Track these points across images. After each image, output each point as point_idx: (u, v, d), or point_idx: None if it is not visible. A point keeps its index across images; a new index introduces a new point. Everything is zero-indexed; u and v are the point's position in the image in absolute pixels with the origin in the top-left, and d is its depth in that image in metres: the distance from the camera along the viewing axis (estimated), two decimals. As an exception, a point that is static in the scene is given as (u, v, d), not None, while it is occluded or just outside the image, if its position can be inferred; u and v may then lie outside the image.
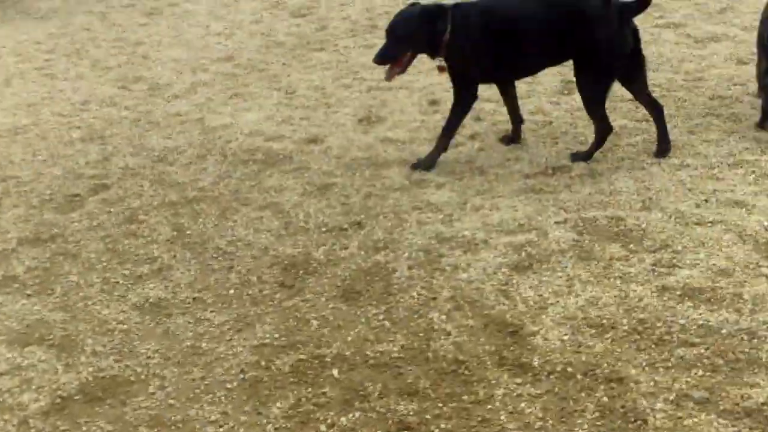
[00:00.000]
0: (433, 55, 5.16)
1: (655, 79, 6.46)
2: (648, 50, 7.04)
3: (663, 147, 5.17)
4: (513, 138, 5.54)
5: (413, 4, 5.20)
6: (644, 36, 7.47)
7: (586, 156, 5.19)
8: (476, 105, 5.41)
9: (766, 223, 4.32)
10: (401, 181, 5.16)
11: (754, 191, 4.67)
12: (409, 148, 5.65)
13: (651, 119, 5.32)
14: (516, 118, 5.53)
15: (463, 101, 5.27)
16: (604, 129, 5.13)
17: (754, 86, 5.77)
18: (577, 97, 6.16)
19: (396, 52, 5.04)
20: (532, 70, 5.54)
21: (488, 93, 6.16)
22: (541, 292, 3.92)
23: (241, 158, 5.71)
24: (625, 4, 4.95)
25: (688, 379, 3.24)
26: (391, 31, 5.06)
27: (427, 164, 5.27)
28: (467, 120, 5.93)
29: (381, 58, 5.07)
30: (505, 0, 5.23)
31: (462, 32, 5.00)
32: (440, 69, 5.24)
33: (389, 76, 5.14)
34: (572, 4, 5.02)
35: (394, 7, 7.30)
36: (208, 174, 5.50)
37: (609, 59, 4.97)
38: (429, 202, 4.88)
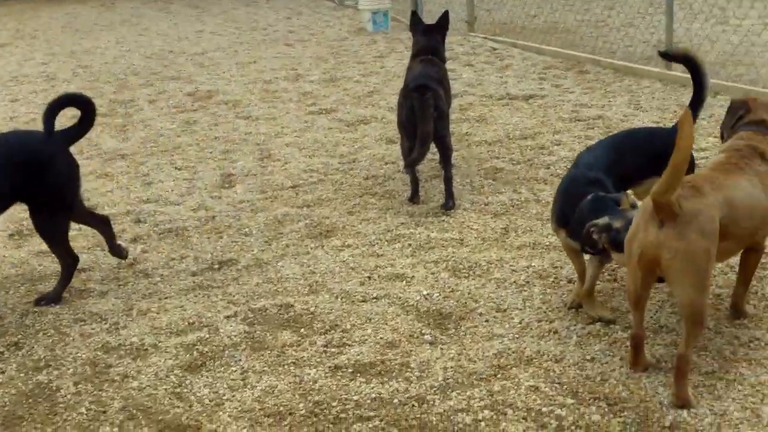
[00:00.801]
0: None
1: (312, 165, 6.68)
2: (303, 137, 7.33)
3: None
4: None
5: None
6: (299, 123, 7.79)
7: (54, 297, 4.80)
8: (137, 207, 5.23)
9: (425, 293, 4.53)
10: (62, 294, 4.86)
11: (412, 263, 4.90)
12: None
13: (313, 205, 5.45)
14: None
15: None
16: (69, 264, 4.87)
17: (402, 164, 6.11)
18: (239, 188, 6.24)
19: None
20: None
21: (148, 194, 6.05)
22: (217, 388, 3.81)
23: None
24: (65, 131, 4.84)
25: (367, 456, 3.26)
26: None
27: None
28: (128, 223, 5.77)
29: None
30: None
31: None
32: None
33: None
34: (14, 154, 4.62)
35: None
36: None
37: (61, 197, 4.75)
38: (92, 312, 4.62)
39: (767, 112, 3.92)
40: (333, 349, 4.05)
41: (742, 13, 10.96)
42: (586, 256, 4.19)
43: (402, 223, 5.48)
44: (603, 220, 3.79)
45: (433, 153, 5.89)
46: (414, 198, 5.78)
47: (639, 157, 4.41)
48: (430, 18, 6.76)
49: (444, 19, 6.36)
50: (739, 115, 3.96)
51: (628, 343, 3.76)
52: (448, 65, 9.72)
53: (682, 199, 3.39)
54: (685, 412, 3.39)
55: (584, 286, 4.17)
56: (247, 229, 5.58)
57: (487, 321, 4.22)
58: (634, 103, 7.89)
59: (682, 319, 3.51)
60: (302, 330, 4.26)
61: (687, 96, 7.83)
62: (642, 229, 3.43)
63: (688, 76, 8.30)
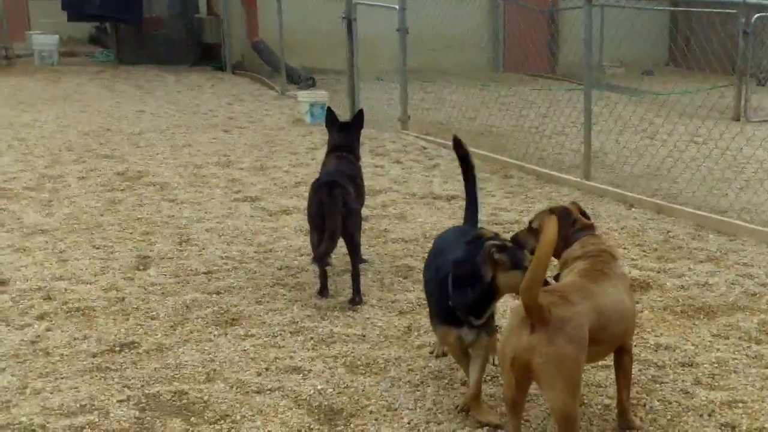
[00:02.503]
0: None
1: (229, 251, 6.73)
2: (224, 223, 7.39)
3: None
4: None
5: None
6: (222, 210, 7.85)
7: None
8: (48, 284, 5.22)
9: (319, 387, 4.56)
10: (-45, 369, 4.80)
11: (311, 357, 4.94)
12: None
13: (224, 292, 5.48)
14: None
15: None
16: None
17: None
18: (153, 271, 6.25)
19: None
20: None
21: (61, 271, 6.04)
22: (97, 475, 3.78)
23: None
24: None
25: None
26: None
27: None
28: (36, 299, 5.74)
29: None
30: None
31: None
32: None
33: None
34: None
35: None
36: None
37: None
38: (-15, 389, 4.57)
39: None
40: (220, 440, 4.05)
41: (670, 129, 11.41)
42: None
43: (308, 316, 5.53)
44: (495, 241, 3.91)
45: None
46: (323, 292, 5.85)
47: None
48: (370, 114, 6.90)
49: (359, 117, 6.53)
50: (571, 221, 4.17)
51: (509, 449, 3.83)
52: (377, 161, 9.97)
53: (552, 307, 3.53)
54: None
55: (470, 391, 4.23)
56: (154, 313, 5.58)
57: (376, 419, 4.26)
58: (551, 210, 8.10)
59: (555, 423, 3.61)
60: (192, 418, 4.26)
61: (604, 205, 8.14)
62: (515, 334, 3.55)
63: (605, 186, 8.66)
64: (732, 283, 6.10)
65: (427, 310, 4.52)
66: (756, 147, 10.11)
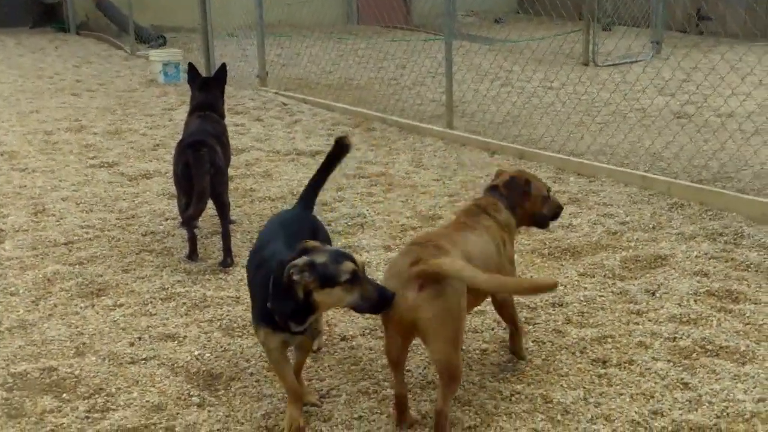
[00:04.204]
0: None
1: (88, 220, 6.46)
2: (82, 191, 7.08)
3: None
4: None
5: None
6: (78, 177, 7.52)
7: None
8: None
9: (196, 353, 4.44)
10: None
11: (185, 322, 4.80)
12: None
13: (87, 262, 5.24)
14: None
15: None
16: None
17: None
18: (8, 245, 5.93)
19: None
20: None
21: None
22: (-36, 463, 3.57)
23: None
24: None
25: None
26: None
27: None
28: None
29: None
30: None
31: None
32: None
33: None
34: None
35: None
36: None
37: None
38: None
39: (502, 179, 4.34)
40: (96, 415, 3.89)
41: (525, 76, 11.62)
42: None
43: (178, 281, 5.37)
44: (301, 260, 3.39)
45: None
46: (192, 255, 5.69)
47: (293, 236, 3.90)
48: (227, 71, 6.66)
49: (221, 72, 6.31)
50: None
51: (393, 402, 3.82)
52: (238, 120, 9.77)
53: (431, 259, 3.52)
54: (446, 466, 3.47)
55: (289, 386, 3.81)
56: (13, 288, 5.30)
57: (257, 381, 4.18)
58: (416, 160, 8.14)
59: (439, 376, 3.61)
60: (64, 395, 4.07)
61: (468, 153, 8.22)
62: (399, 296, 3.50)
63: (468, 135, 8.75)
64: (594, 223, 6.27)
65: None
66: (608, 90, 10.41)
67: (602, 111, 9.82)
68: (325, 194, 7.05)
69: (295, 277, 3.37)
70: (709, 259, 5.55)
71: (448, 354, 3.54)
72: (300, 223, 4.10)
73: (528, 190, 4.27)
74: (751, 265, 5.43)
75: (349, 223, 6.39)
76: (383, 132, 9.31)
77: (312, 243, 3.66)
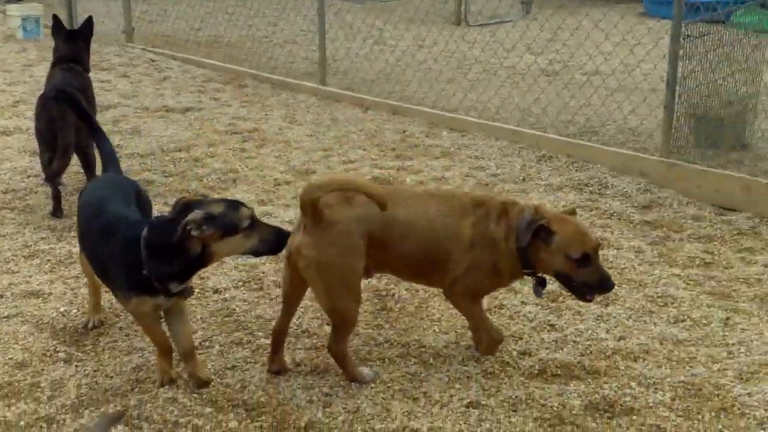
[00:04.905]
0: None
1: (-56, 177, 6.15)
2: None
3: None
4: None
5: None
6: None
7: None
8: None
9: (62, 309, 4.30)
10: None
11: (50, 279, 4.64)
12: None
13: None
14: None
15: None
16: None
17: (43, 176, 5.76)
18: None
19: None
20: None
21: None
22: None
23: None
24: None
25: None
26: None
27: None
28: None
29: None
30: None
31: None
32: None
33: None
34: None
35: None
36: None
37: None
38: None
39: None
40: (-45, 374, 3.73)
41: (398, 34, 11.63)
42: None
43: (42, 238, 5.18)
44: (197, 215, 3.29)
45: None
46: (56, 212, 5.49)
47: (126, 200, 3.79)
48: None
49: (88, 24, 6.09)
50: None
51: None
52: (103, 76, 9.44)
53: (326, 208, 3.48)
54: (320, 412, 3.48)
55: (185, 346, 3.67)
56: None
57: (127, 335, 4.09)
58: (290, 116, 8.06)
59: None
60: None
61: (342, 109, 8.20)
62: (295, 230, 3.52)
63: (342, 91, 8.72)
64: (466, 176, 6.37)
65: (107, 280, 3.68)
66: (478, 49, 10.54)
67: (473, 69, 9.93)
68: (196, 150, 6.93)
69: (194, 233, 3.28)
70: (575, 208, 5.70)
71: (329, 301, 3.55)
72: (123, 186, 3.93)
73: (546, 240, 3.55)
74: (614, 214, 5.62)
75: (222, 179, 6.29)
76: (256, 89, 9.17)
77: (190, 197, 3.60)
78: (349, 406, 3.54)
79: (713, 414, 3.48)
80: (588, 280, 3.54)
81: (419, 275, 3.83)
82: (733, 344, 4.04)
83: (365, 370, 3.74)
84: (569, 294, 3.79)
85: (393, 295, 4.53)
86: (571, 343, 4.02)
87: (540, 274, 3.69)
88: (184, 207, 3.41)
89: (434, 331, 4.16)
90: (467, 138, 7.31)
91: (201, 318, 4.26)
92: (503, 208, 3.65)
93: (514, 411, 3.50)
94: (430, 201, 3.70)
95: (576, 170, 6.44)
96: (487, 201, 3.71)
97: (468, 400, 3.57)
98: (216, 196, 5.79)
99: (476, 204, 3.68)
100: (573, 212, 3.79)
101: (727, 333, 4.14)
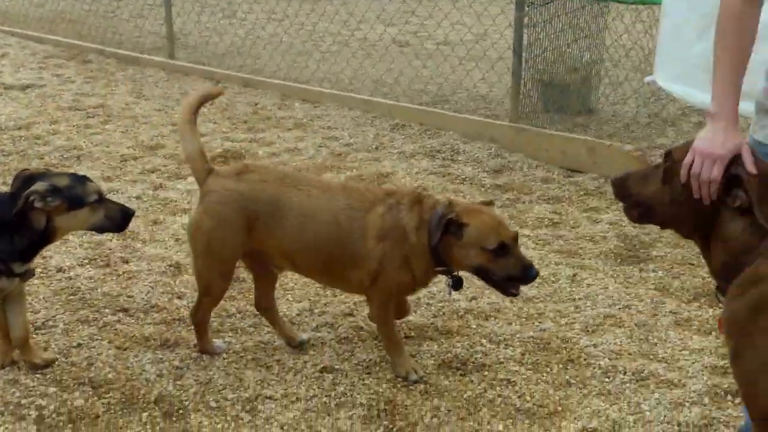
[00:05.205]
0: None
1: None
2: None
3: None
4: None
5: None
6: None
7: None
8: None
9: None
10: None
11: None
12: None
13: None
14: None
15: None
16: None
17: None
18: None
19: None
20: None
21: None
22: None
23: None
24: None
25: None
26: None
27: None
28: None
29: None
30: None
31: None
32: None
33: None
34: None
35: None
36: None
37: None
38: None
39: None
40: None
41: (247, 8, 11.43)
42: None
43: None
44: (41, 186, 3.13)
45: None
46: None
47: None
48: None
49: None
50: None
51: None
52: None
53: (213, 176, 3.43)
54: (171, 386, 3.38)
55: (18, 335, 3.47)
56: None
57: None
58: (137, 91, 7.82)
59: None
60: None
61: (191, 83, 8.01)
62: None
63: (191, 65, 8.52)
64: (319, 146, 6.32)
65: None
66: (329, 22, 10.48)
67: (326, 41, 9.88)
68: (37, 128, 6.64)
69: (37, 204, 3.12)
70: (429, 174, 5.76)
71: (195, 268, 3.54)
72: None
73: (458, 233, 3.23)
74: (466, 179, 5.69)
75: (65, 156, 6.04)
76: (101, 64, 8.85)
77: (32, 170, 3.43)
78: (200, 378, 3.46)
79: (561, 366, 3.57)
80: (509, 272, 3.20)
81: (322, 273, 3.55)
82: (579, 299, 4.16)
83: (217, 342, 3.67)
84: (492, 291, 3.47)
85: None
86: (425, 306, 4.05)
87: (456, 273, 3.38)
88: (26, 179, 3.24)
89: (288, 299, 4.11)
90: (320, 109, 7.27)
91: (44, 298, 4.08)
92: (417, 198, 3.35)
93: (368, 374, 3.50)
94: (337, 192, 3.42)
95: (429, 138, 6.49)
96: (399, 190, 3.44)
97: (322, 365, 3.55)
98: (58, 173, 5.56)
99: (387, 194, 3.40)
100: (490, 203, 3.47)
101: (574, 289, 4.25)
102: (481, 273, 3.26)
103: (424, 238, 3.27)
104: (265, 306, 3.73)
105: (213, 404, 3.29)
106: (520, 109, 6.37)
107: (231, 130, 6.70)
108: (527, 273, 3.20)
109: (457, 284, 3.42)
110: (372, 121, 6.90)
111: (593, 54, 7.10)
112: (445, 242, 3.22)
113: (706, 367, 3.55)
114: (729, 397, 3.34)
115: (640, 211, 2.55)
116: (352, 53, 8.90)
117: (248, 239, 3.43)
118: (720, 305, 2.46)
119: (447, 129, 6.61)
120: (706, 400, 3.33)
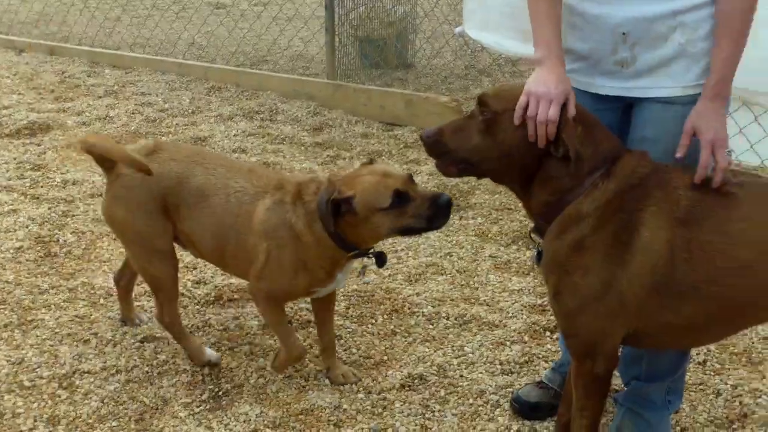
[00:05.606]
0: None
1: None
2: None
3: None
4: None
5: None
6: None
7: None
8: None
9: None
10: None
11: None
12: None
13: None
14: None
15: None
16: None
17: None
18: None
19: None
20: None
21: None
22: None
23: None
24: None
25: None
26: None
27: None
28: None
29: None
30: None
31: None
32: None
33: None
34: None
35: None
36: None
37: None
38: None
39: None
40: None
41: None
42: None
43: None
44: None
45: None
46: None
47: None
48: None
49: None
50: None
51: None
52: None
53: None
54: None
55: None
56: None
57: None
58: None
59: None
60: None
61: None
62: None
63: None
64: (132, 113, 6.10)
65: None
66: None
67: (138, 6, 9.53)
68: None
69: None
70: (247, 136, 5.66)
71: (132, 260, 3.29)
72: None
73: (350, 209, 2.83)
74: (286, 138, 5.63)
75: None
76: None
77: None
78: (12, 358, 3.27)
79: (386, 317, 3.60)
80: (422, 214, 2.81)
81: (218, 261, 3.23)
82: (402, 250, 4.19)
83: (209, 351, 3.30)
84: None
85: (57, 240, 4.23)
86: (247, 267, 3.98)
87: (372, 250, 3.01)
88: None
89: (104, 271, 3.95)
90: (132, 75, 7.01)
91: None
92: (297, 191, 2.97)
93: (191, 339, 3.41)
94: (237, 173, 3.11)
95: (246, 99, 6.38)
96: (287, 183, 3.03)
97: (142, 336, 3.43)
98: None
99: (277, 186, 3.03)
100: (371, 161, 3.06)
101: (395, 240, 4.28)
102: (400, 232, 2.88)
103: (319, 230, 2.90)
104: (125, 284, 3.53)
105: (27, 384, 3.13)
106: (338, 66, 6.34)
107: (37, 101, 6.36)
108: (440, 204, 2.81)
109: (380, 260, 3.03)
110: (187, 85, 6.72)
111: (406, 7, 7.15)
112: (344, 224, 2.85)
113: (525, 306, 3.66)
114: (548, 334, 3.46)
115: (460, 167, 2.46)
116: (168, 20, 8.61)
117: (170, 221, 3.12)
118: (533, 246, 2.51)
119: (265, 89, 6.52)
120: (526, 338, 3.44)
